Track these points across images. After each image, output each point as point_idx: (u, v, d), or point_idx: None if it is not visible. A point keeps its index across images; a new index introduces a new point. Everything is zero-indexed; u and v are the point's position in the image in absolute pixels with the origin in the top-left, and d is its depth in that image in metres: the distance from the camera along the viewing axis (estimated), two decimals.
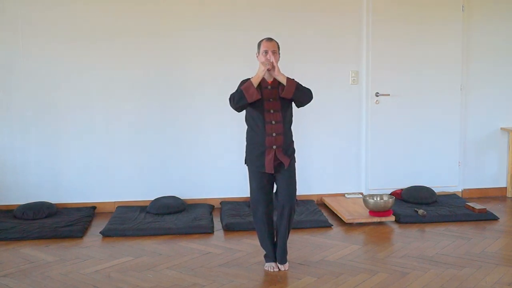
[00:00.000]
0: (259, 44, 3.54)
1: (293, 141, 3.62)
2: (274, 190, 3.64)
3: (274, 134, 3.49)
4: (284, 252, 3.61)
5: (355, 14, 5.35)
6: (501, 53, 5.61)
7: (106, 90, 5.09)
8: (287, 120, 3.55)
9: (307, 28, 5.27)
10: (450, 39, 5.47)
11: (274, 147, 3.49)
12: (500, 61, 5.62)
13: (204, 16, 5.14)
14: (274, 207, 3.62)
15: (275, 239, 3.64)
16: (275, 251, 3.61)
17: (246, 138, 3.62)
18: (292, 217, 3.57)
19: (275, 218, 3.63)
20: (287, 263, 3.62)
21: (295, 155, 3.62)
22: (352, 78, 5.40)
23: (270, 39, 3.53)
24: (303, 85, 3.55)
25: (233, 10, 5.17)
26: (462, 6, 5.46)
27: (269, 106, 3.49)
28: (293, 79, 3.51)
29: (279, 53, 3.55)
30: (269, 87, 3.53)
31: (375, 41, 5.35)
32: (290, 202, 3.52)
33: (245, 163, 3.63)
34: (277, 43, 3.55)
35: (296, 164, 3.62)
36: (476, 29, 5.53)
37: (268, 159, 3.48)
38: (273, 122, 3.49)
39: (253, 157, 3.54)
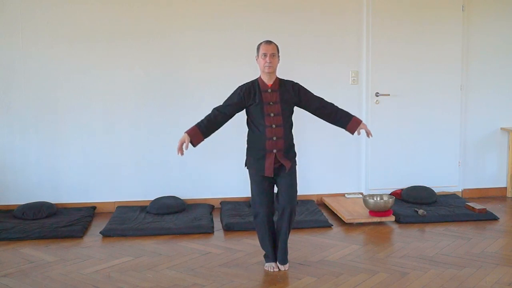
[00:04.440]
0: (258, 47, 3.52)
1: (294, 144, 3.61)
2: (275, 191, 3.64)
3: (274, 138, 3.48)
4: (285, 252, 3.60)
5: (355, 14, 5.35)
6: (501, 53, 5.61)
7: (106, 90, 5.09)
8: (288, 124, 3.54)
9: (307, 28, 5.27)
10: (450, 39, 5.47)
11: (275, 151, 3.48)
12: (500, 61, 5.62)
13: (204, 16, 5.14)
14: (275, 209, 3.62)
15: (275, 240, 3.63)
16: (276, 252, 3.61)
17: (247, 141, 3.61)
18: (293, 219, 3.57)
19: (275, 219, 3.63)
20: (288, 263, 3.62)
21: (296, 158, 3.62)
22: (352, 78, 5.40)
23: (269, 42, 3.50)
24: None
25: (233, 10, 5.17)
26: (462, 6, 5.46)
27: (269, 109, 3.48)
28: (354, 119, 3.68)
29: (278, 56, 3.53)
30: (269, 90, 3.52)
31: (375, 41, 5.35)
32: (291, 204, 3.51)
33: (246, 166, 3.63)
34: (277, 46, 3.52)
35: (297, 165, 3.62)
36: (476, 29, 5.54)
37: (268, 163, 3.47)
38: (274, 126, 3.48)
39: (253, 161, 3.54)
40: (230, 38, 5.17)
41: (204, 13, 5.14)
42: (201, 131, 3.48)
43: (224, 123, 3.57)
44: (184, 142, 3.43)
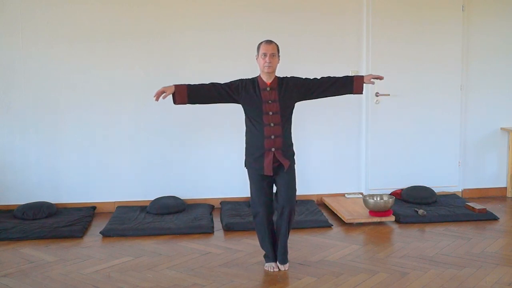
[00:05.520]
0: (258, 47, 3.51)
1: (292, 143, 3.60)
2: (274, 191, 3.64)
3: (272, 137, 3.47)
4: (285, 252, 3.60)
5: (355, 14, 5.35)
6: (501, 53, 5.61)
7: (106, 90, 5.09)
8: (287, 123, 3.54)
9: (307, 28, 5.27)
10: (450, 39, 5.47)
11: (273, 149, 3.47)
12: (500, 61, 5.62)
13: (204, 16, 5.14)
14: (274, 209, 3.62)
15: (275, 240, 3.63)
16: (275, 251, 3.61)
17: (245, 140, 3.61)
18: (292, 218, 3.57)
19: (275, 219, 3.63)
20: (288, 263, 3.62)
21: (295, 157, 3.61)
22: None
23: (269, 42, 3.49)
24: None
25: (234, 10, 5.17)
26: (462, 6, 5.46)
27: (267, 108, 3.47)
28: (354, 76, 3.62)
29: (278, 56, 3.52)
30: (267, 88, 3.51)
31: (375, 41, 5.35)
32: (290, 204, 3.51)
33: (245, 166, 3.62)
34: (277, 46, 3.51)
35: (296, 164, 3.62)
36: (476, 29, 5.53)
37: (267, 162, 3.47)
38: (272, 125, 3.47)
39: (252, 160, 3.53)
40: (230, 38, 5.17)
41: (204, 13, 5.14)
42: (188, 93, 3.48)
43: (212, 101, 3.55)
44: (166, 92, 3.44)
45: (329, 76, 3.64)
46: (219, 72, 5.14)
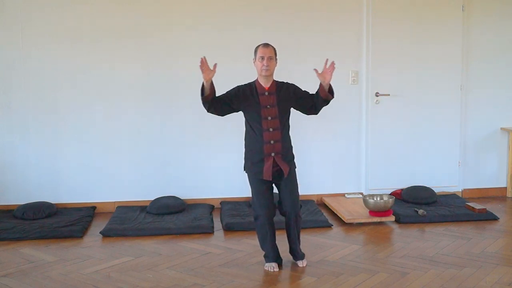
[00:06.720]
0: (255, 50, 3.51)
1: (292, 147, 3.60)
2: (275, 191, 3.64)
3: (272, 142, 3.47)
4: (299, 252, 3.66)
5: (355, 14, 5.35)
6: (501, 53, 5.61)
7: (106, 90, 5.09)
8: (285, 127, 3.53)
9: (307, 28, 5.27)
10: (450, 39, 5.47)
11: (273, 154, 3.47)
12: (500, 61, 5.61)
13: (204, 16, 5.14)
14: (275, 210, 3.62)
15: (275, 241, 3.64)
16: (276, 252, 3.62)
17: (245, 144, 3.61)
18: (299, 222, 3.60)
19: (275, 220, 3.63)
20: (305, 259, 3.67)
21: (295, 160, 3.61)
22: (352, 78, 5.39)
23: (266, 45, 3.49)
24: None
25: (233, 10, 5.17)
26: (462, 6, 5.46)
27: (266, 113, 3.47)
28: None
29: (276, 59, 3.52)
30: (266, 93, 3.51)
31: (375, 41, 5.35)
32: (294, 210, 3.53)
33: (244, 170, 3.62)
34: (274, 49, 3.51)
35: (296, 164, 3.62)
36: (476, 29, 5.53)
37: (267, 166, 3.46)
38: (271, 130, 3.47)
39: (251, 164, 3.53)
40: (231, 38, 5.16)
41: (204, 13, 5.13)
42: (213, 92, 3.49)
43: (222, 111, 3.56)
44: (211, 72, 3.43)
45: (312, 95, 3.60)
46: (219, 72, 5.11)
